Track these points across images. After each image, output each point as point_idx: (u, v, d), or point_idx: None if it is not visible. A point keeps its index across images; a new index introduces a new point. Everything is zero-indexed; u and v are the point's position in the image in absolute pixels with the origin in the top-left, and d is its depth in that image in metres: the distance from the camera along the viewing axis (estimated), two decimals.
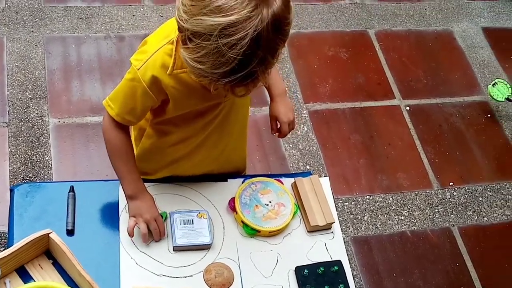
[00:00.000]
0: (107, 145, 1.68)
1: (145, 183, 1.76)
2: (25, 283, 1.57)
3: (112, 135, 1.66)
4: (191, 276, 1.67)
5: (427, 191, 2.96)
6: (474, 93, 3.40)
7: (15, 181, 2.55)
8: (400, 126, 3.17)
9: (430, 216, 2.86)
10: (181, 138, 1.74)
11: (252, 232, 1.75)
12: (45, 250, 1.62)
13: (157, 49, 1.52)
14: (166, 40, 1.52)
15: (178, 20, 1.34)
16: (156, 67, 1.51)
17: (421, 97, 3.32)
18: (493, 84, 3.27)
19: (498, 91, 3.25)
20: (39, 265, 1.61)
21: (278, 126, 1.87)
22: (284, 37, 1.33)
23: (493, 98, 3.26)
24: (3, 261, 1.53)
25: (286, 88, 1.83)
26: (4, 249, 2.32)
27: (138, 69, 1.52)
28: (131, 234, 1.66)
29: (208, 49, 1.28)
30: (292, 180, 1.89)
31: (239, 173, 1.96)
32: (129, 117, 1.61)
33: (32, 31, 3.06)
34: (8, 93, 2.83)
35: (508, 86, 3.25)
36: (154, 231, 1.67)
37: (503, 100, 3.24)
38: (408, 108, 3.25)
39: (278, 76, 1.87)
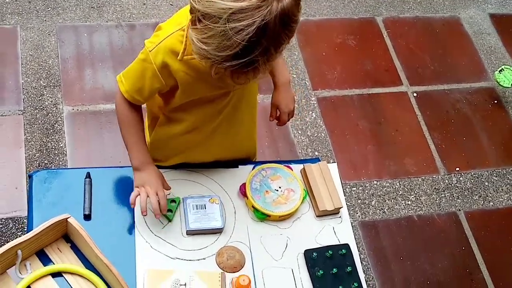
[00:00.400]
0: (118, 116, 1.74)
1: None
2: (44, 266, 1.63)
3: (122, 108, 1.71)
4: (204, 259, 1.73)
5: (434, 176, 3.00)
6: (481, 79, 3.43)
7: (31, 168, 2.61)
8: (408, 112, 3.21)
9: (437, 201, 2.91)
10: (193, 126, 1.79)
11: (263, 217, 1.81)
12: (64, 234, 1.68)
13: (169, 34, 1.57)
14: (178, 27, 1.56)
15: (191, 1, 1.38)
16: (167, 51, 1.56)
17: (428, 84, 3.35)
18: (500, 71, 3.30)
19: (505, 77, 3.28)
20: (58, 248, 1.66)
21: (278, 114, 1.92)
22: (290, 33, 1.37)
23: (499, 84, 3.29)
24: (23, 245, 1.59)
25: (291, 78, 1.87)
26: (23, 234, 2.40)
27: (150, 51, 1.58)
28: (132, 203, 1.69)
29: (215, 31, 1.32)
30: (301, 166, 1.94)
31: (249, 160, 2.01)
32: (137, 96, 1.66)
33: (45, 20, 3.11)
34: (22, 81, 2.89)
35: None
36: (153, 205, 1.67)
37: (510, 86, 3.27)
38: (415, 94, 3.29)
39: (284, 66, 1.91)
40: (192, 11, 1.39)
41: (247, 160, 1.99)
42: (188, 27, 1.49)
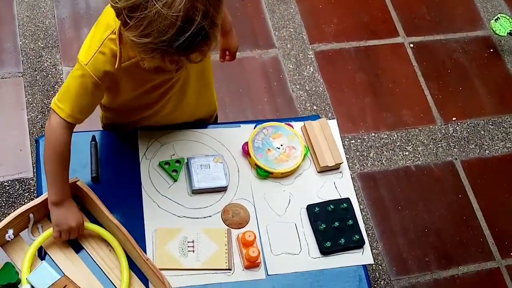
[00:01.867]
0: (49, 147, 1.63)
1: (158, 131, 1.87)
2: None
3: (58, 137, 1.62)
4: (210, 216, 1.79)
5: (431, 126, 3.05)
6: (477, 28, 3.43)
7: (34, 130, 2.65)
8: (404, 63, 3.23)
9: (434, 151, 2.97)
10: (141, 106, 1.79)
11: (265, 174, 1.86)
12: (73, 197, 1.72)
13: (101, 42, 1.54)
14: (108, 31, 1.54)
15: (112, 4, 1.35)
16: (106, 60, 1.54)
17: (424, 34, 3.36)
18: (496, 19, 3.30)
19: (501, 26, 3.28)
20: None
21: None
22: None
23: (495, 33, 3.30)
24: (35, 209, 1.64)
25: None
26: (29, 195, 2.46)
27: (86, 64, 1.54)
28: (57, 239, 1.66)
29: (149, 17, 1.29)
30: (301, 123, 1.98)
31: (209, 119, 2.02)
32: (81, 115, 1.61)
33: None
34: (20, 43, 2.89)
35: (511, 20, 3.28)
36: (73, 238, 1.66)
37: (506, 35, 3.28)
38: (412, 45, 3.30)
39: (227, 14, 1.87)
40: (118, 14, 1.36)
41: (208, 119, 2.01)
42: (119, 33, 1.49)
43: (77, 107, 1.59)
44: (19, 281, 1.59)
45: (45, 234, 1.64)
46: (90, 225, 1.68)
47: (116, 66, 1.53)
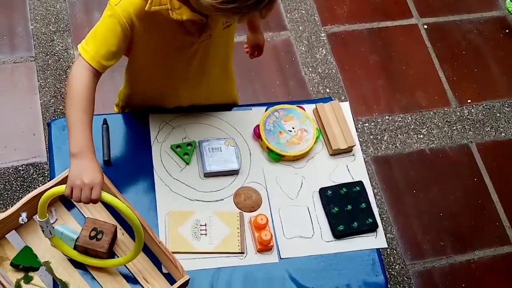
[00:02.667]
0: (70, 93, 1.55)
1: (170, 114, 1.86)
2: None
3: (80, 81, 1.55)
4: (222, 200, 1.78)
5: (445, 109, 3.01)
6: (492, 9, 3.38)
7: (47, 114, 2.65)
8: (418, 45, 3.19)
9: (449, 134, 2.93)
10: (162, 74, 1.78)
11: (277, 157, 1.85)
12: None
13: None
14: None
15: None
16: (131, 3, 1.54)
17: (438, 15, 3.31)
18: None
19: None
20: None
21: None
22: None
23: (510, 13, 3.25)
24: None
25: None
26: (43, 179, 2.46)
27: (116, 5, 1.54)
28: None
29: None
30: (313, 106, 1.96)
31: (232, 105, 2.00)
32: (104, 61, 1.56)
33: None
34: (32, 27, 2.89)
35: None
36: (82, 200, 1.46)
37: None
38: (425, 26, 3.26)
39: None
40: None
41: (228, 105, 1.98)
42: None
43: (103, 49, 1.55)
44: (39, 267, 1.60)
45: (58, 189, 1.48)
46: (106, 196, 1.47)
47: (146, 8, 1.53)
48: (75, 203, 1.70)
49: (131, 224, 1.50)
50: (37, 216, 1.52)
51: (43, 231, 1.54)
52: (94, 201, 1.46)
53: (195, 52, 1.70)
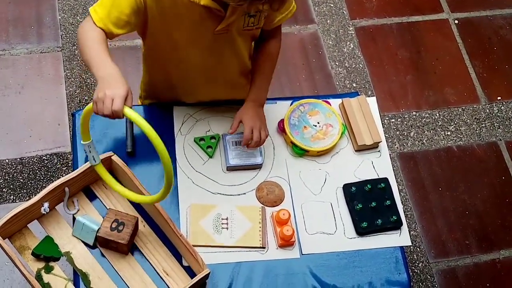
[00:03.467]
0: (81, 41, 1.53)
1: (194, 107, 1.85)
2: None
3: (88, 30, 1.52)
4: (244, 194, 1.76)
5: (475, 106, 2.96)
6: None
7: (72, 104, 2.66)
8: (448, 40, 3.14)
9: (477, 131, 2.88)
10: (176, 65, 1.76)
11: (301, 152, 1.83)
12: (108, 171, 1.72)
13: None
14: None
15: None
16: None
17: (470, 10, 3.25)
18: None
19: None
20: (103, 185, 1.72)
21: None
22: None
23: None
24: (70, 182, 1.64)
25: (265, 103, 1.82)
26: (67, 169, 2.48)
27: None
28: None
29: None
30: (339, 100, 1.93)
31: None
32: (113, 27, 1.54)
33: None
34: (59, 17, 2.90)
35: None
36: (105, 111, 1.42)
37: None
38: (456, 21, 3.20)
39: (266, 85, 1.82)
40: None
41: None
42: None
43: (113, 14, 1.52)
44: (60, 257, 1.61)
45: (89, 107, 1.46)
46: (128, 111, 1.42)
47: None
48: (97, 194, 1.70)
49: (156, 149, 1.40)
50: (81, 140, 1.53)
51: (86, 156, 1.52)
52: (116, 114, 1.41)
53: (211, 44, 1.67)
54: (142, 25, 1.63)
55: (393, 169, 1.90)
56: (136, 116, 1.39)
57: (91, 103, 1.45)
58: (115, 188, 1.61)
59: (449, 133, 2.86)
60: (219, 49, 1.70)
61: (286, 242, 1.68)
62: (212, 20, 1.59)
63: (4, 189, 2.45)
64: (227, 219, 1.71)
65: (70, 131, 2.58)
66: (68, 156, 2.53)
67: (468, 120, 2.90)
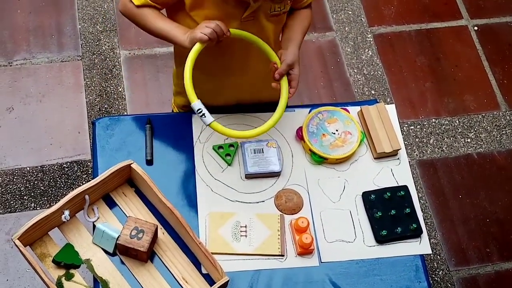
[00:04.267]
0: (133, 19, 1.68)
1: (212, 115, 1.84)
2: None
3: (129, 7, 1.65)
4: (263, 201, 1.76)
5: (495, 112, 2.93)
6: None
7: (92, 113, 2.68)
8: (468, 47, 3.12)
9: (497, 138, 2.85)
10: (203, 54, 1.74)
11: (320, 160, 1.82)
12: (128, 179, 1.74)
13: None
14: None
15: None
16: None
17: (489, 16, 3.23)
18: None
19: None
20: (123, 192, 1.73)
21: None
22: None
23: None
24: (90, 190, 1.65)
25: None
26: (87, 176, 2.50)
27: None
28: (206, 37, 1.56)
29: None
30: (358, 108, 1.93)
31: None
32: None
33: None
34: (79, 26, 2.93)
35: None
36: (217, 30, 1.55)
37: None
38: (476, 28, 3.18)
39: (300, 41, 1.77)
40: None
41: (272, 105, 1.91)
42: None
43: None
44: (80, 265, 1.62)
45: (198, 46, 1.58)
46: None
47: None
48: (116, 201, 1.71)
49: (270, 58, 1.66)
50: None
51: (200, 116, 1.61)
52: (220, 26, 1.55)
53: (236, 39, 1.66)
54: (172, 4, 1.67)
55: (413, 177, 1.89)
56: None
57: (195, 48, 1.57)
58: (232, 134, 1.64)
59: (469, 140, 2.84)
60: (246, 42, 1.69)
61: (305, 250, 1.68)
62: (239, 7, 1.60)
63: (25, 197, 2.48)
64: (245, 226, 1.71)
65: (90, 139, 2.60)
66: (88, 164, 2.55)
67: (488, 127, 2.88)
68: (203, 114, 1.61)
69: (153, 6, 1.64)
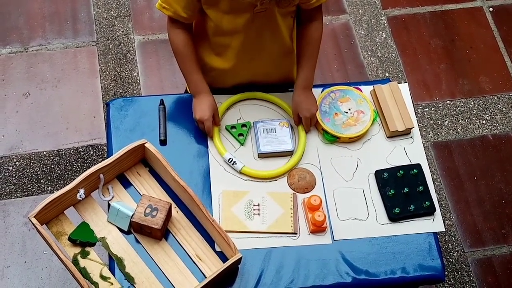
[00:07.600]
0: (171, 46, 1.80)
1: (225, 95, 1.87)
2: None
3: (172, 36, 1.78)
4: (276, 180, 1.77)
5: (510, 94, 2.91)
6: None
7: (107, 97, 2.70)
8: (483, 28, 3.09)
9: None
10: (218, 41, 1.80)
11: (332, 139, 1.83)
12: (142, 159, 1.76)
13: None
14: None
15: None
16: None
17: None
18: None
19: None
20: (137, 172, 1.75)
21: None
22: None
23: None
24: (105, 169, 1.67)
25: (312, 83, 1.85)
26: (103, 160, 2.52)
27: None
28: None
29: None
30: (371, 87, 1.92)
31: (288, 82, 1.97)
32: (183, 12, 1.69)
33: None
34: (94, 12, 2.95)
35: None
36: (206, 130, 1.79)
37: None
38: (491, 9, 3.14)
39: (310, 71, 1.83)
40: None
41: (285, 85, 1.95)
42: None
43: (179, 2, 1.68)
44: (96, 242, 1.65)
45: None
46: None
47: None
48: (131, 181, 1.73)
49: None
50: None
51: (232, 165, 1.77)
52: (210, 135, 1.80)
53: (251, 22, 1.69)
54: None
55: (427, 158, 1.89)
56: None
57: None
58: (260, 175, 1.77)
59: (484, 121, 2.82)
60: (259, 27, 1.71)
61: (317, 228, 1.68)
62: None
63: (42, 180, 2.51)
64: (258, 205, 1.72)
65: (105, 123, 2.62)
66: (104, 147, 2.58)
67: (503, 109, 2.86)
68: (234, 162, 1.76)
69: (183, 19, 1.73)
